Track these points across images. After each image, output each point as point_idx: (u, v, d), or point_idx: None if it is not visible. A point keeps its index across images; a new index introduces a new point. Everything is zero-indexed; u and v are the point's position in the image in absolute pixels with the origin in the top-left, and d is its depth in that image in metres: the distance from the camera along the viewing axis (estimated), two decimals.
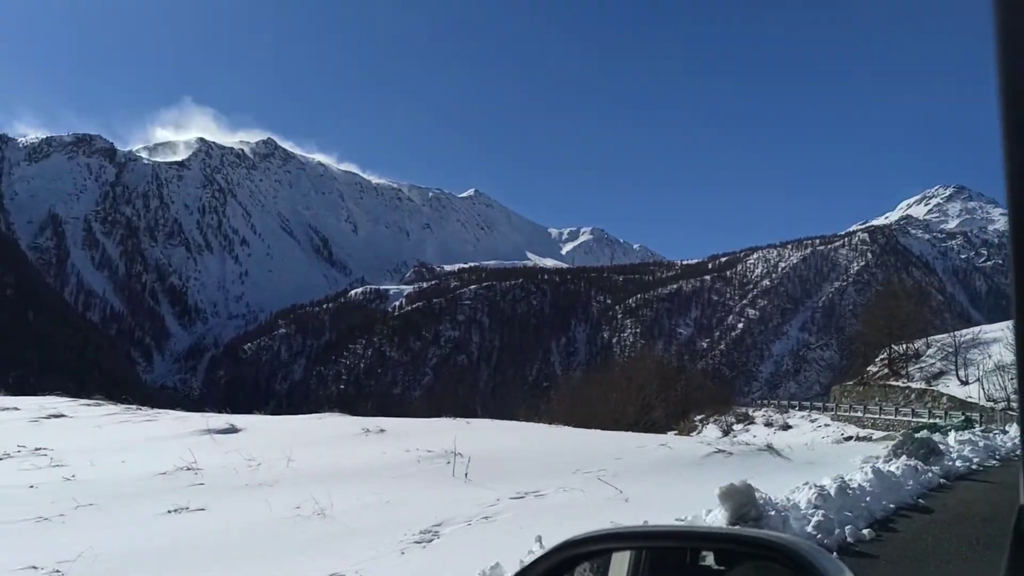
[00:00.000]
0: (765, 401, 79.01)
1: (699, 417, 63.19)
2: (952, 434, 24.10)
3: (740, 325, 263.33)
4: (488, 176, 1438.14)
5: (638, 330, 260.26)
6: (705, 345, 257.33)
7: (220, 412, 28.09)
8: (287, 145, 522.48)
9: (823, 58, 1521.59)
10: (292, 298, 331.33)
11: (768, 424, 54.99)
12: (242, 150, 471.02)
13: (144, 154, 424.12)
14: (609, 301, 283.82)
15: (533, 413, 42.67)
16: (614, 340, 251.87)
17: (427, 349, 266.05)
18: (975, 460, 18.26)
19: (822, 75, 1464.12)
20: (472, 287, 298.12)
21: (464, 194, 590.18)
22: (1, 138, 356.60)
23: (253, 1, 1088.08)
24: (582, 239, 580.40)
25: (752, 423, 57.36)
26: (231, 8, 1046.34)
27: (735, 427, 57.02)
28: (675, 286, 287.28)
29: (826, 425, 51.77)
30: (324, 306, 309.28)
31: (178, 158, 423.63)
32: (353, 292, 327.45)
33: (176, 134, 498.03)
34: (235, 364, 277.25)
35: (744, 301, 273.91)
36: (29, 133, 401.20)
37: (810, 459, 17.57)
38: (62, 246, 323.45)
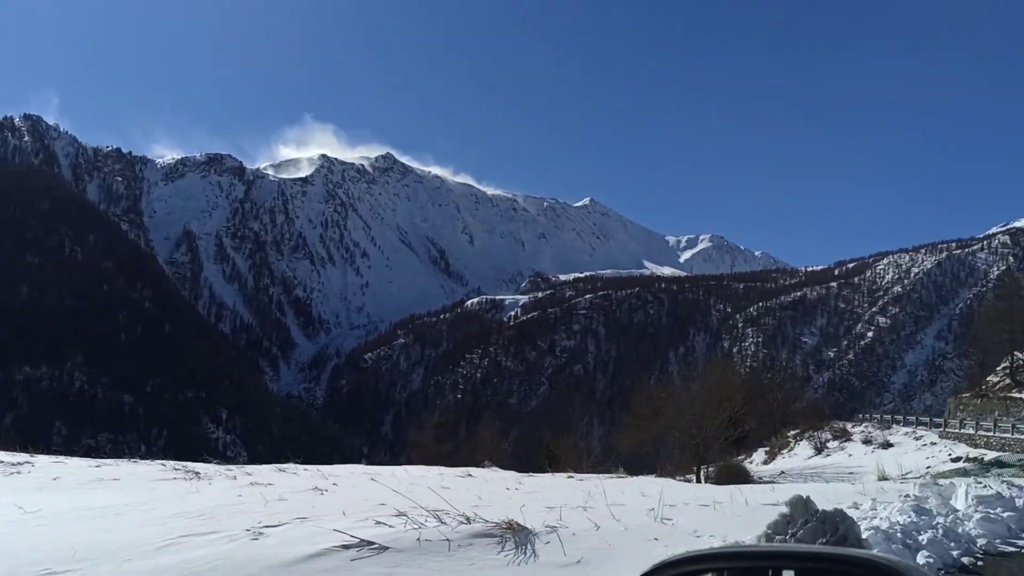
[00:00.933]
0: (866, 416, 72.40)
1: (792, 433, 58.84)
2: (972, 487, 14.42)
3: (870, 334, 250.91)
4: (604, 184, 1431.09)
5: (760, 339, 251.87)
6: (832, 355, 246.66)
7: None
8: (405, 159, 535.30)
9: (961, 41, 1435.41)
10: (410, 308, 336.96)
11: (867, 441, 49.93)
12: (362, 165, 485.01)
13: (270, 171, 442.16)
14: (729, 310, 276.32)
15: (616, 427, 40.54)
16: (735, 350, 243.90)
17: (542, 359, 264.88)
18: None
19: (960, 62, 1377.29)
20: (587, 296, 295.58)
21: (579, 203, 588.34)
22: (141, 160, 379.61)
23: (369, 21, 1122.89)
24: (701, 247, 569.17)
25: (849, 440, 52.41)
26: (347, 27, 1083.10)
27: (830, 444, 52.57)
28: (799, 293, 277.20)
29: (932, 443, 46.29)
30: (441, 316, 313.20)
31: (302, 174, 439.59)
32: (469, 302, 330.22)
33: (299, 151, 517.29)
34: (356, 373, 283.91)
35: (874, 309, 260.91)
36: (165, 155, 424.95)
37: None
38: (196, 261, 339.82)
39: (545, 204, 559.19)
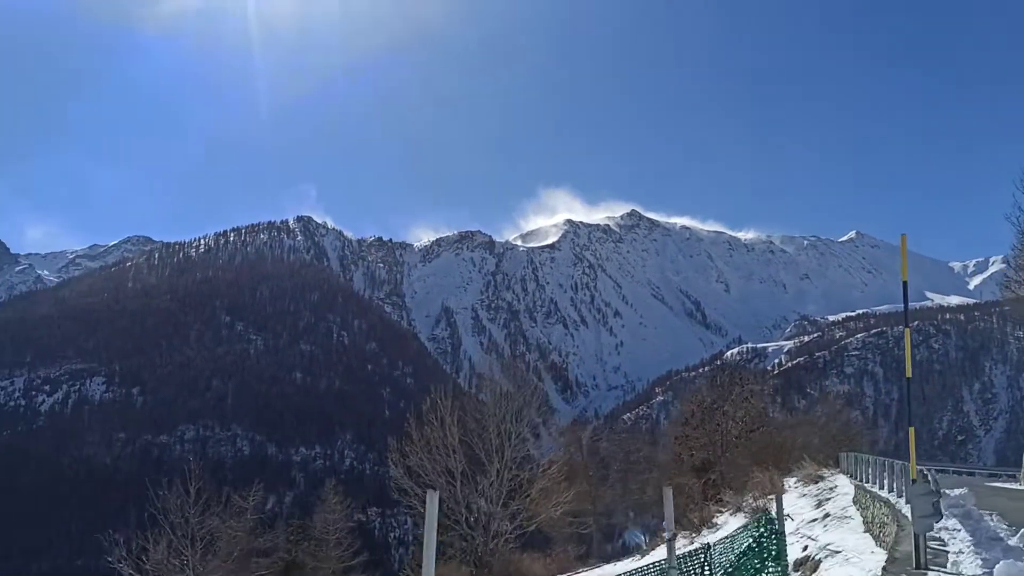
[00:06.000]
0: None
1: None
2: None
3: None
4: (869, 215, 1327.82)
5: None
6: None
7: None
8: (650, 214, 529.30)
9: None
10: (668, 364, 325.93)
11: None
12: (607, 225, 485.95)
13: (518, 242, 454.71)
14: None
15: None
16: None
17: (814, 406, 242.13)
18: None
19: None
20: (859, 336, 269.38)
21: (844, 238, 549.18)
22: (400, 245, 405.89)
23: (606, 83, 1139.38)
24: (992, 270, 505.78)
25: None
26: (578, 94, 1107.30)
27: None
28: None
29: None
30: (700, 370, 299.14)
31: (549, 241, 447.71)
32: (729, 353, 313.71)
33: (544, 219, 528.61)
34: (615, 435, 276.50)
35: None
36: (422, 237, 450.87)
37: None
38: (455, 335, 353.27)
39: (805, 243, 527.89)
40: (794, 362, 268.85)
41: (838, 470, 32.62)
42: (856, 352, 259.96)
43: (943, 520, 12.86)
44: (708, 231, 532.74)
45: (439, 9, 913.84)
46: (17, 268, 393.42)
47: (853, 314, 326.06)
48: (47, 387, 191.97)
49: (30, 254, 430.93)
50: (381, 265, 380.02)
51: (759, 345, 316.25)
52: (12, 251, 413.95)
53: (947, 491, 15.20)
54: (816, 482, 29.68)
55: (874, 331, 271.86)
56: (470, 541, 23.32)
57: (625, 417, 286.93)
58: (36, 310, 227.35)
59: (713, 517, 29.36)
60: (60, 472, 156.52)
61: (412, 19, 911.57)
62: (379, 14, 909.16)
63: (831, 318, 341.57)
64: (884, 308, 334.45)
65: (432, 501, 6.32)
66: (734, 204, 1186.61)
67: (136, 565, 20.41)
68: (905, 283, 11.19)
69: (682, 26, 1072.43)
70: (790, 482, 31.33)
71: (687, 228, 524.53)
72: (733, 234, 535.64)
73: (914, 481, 12.27)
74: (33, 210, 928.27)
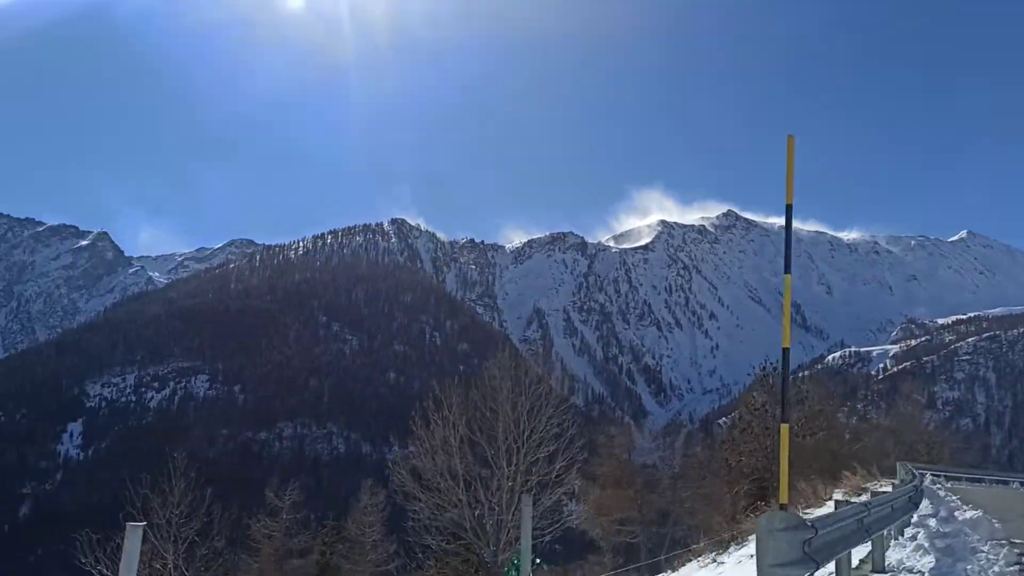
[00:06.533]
0: None
1: None
2: None
3: None
4: (981, 213, 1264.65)
5: None
6: None
7: None
8: (747, 214, 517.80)
9: None
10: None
11: None
12: (703, 226, 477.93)
13: (611, 243, 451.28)
14: None
15: None
16: None
17: (920, 413, 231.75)
18: None
19: None
20: (970, 340, 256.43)
21: (954, 237, 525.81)
22: (493, 247, 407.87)
23: (699, 80, 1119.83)
24: None
25: None
26: (669, 91, 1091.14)
27: None
28: None
29: None
30: (800, 374, 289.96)
31: (642, 242, 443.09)
32: (830, 357, 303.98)
33: (637, 220, 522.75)
34: (710, 439, 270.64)
35: None
36: (514, 239, 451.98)
37: None
38: (547, 337, 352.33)
39: (913, 243, 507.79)
40: (900, 367, 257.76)
41: (891, 480, 30.22)
42: (967, 357, 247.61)
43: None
44: (808, 231, 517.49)
45: (529, 5, 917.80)
46: (130, 270, 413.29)
47: (964, 317, 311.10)
48: (156, 384, 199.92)
49: (142, 256, 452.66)
50: (473, 267, 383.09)
51: (862, 349, 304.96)
52: (126, 254, 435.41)
53: (960, 513, 13.06)
54: (859, 494, 27.42)
55: (986, 335, 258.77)
56: (476, 551, 21.51)
57: (720, 421, 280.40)
58: (146, 310, 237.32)
59: (745, 533, 26.66)
60: (166, 465, 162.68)
61: (503, 17, 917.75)
62: (471, 11, 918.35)
63: (940, 321, 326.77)
64: (998, 311, 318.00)
65: (134, 536, 5.20)
66: (836, 203, 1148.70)
67: (110, 565, 18.79)
68: None
69: (780, 17, 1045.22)
70: (837, 494, 29.06)
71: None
72: (835, 234, 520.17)
73: (782, 507, 8.08)
74: (146, 215, 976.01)
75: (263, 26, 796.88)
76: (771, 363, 39.93)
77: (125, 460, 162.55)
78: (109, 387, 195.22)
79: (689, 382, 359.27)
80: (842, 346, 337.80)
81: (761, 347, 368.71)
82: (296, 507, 34.19)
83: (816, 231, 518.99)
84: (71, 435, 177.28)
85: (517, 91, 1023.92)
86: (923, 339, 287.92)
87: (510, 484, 21.39)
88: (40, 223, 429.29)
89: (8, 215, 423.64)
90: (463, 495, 21.28)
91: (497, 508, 21.11)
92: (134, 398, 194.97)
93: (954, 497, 19.10)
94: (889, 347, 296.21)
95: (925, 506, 15.14)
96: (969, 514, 11.85)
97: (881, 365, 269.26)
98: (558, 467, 22.25)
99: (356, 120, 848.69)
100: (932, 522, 12.12)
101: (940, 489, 24.66)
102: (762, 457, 34.36)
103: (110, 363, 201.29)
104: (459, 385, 23.44)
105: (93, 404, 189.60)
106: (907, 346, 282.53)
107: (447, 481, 21.43)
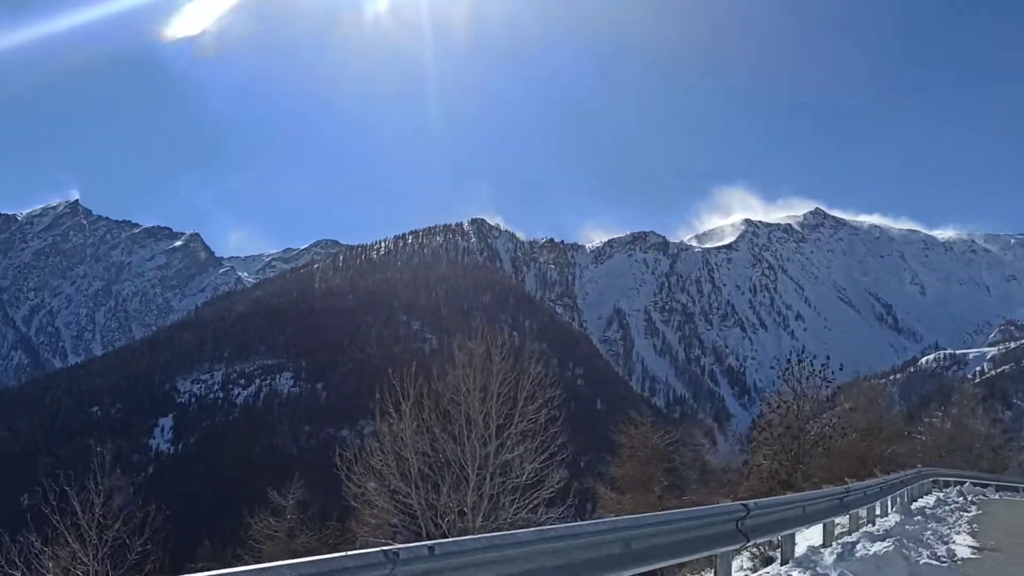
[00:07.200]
0: None
1: None
2: None
3: None
4: None
5: None
6: None
7: None
8: (835, 212, 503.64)
9: None
10: (855, 371, 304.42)
11: None
12: (788, 224, 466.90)
13: (693, 242, 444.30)
14: None
15: None
16: None
17: (1021, 420, 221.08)
18: None
19: None
20: None
21: None
22: (572, 247, 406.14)
23: (781, 74, 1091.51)
24: None
25: None
26: (752, 86, 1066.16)
27: None
28: None
29: None
30: (891, 377, 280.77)
31: (725, 242, 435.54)
32: (924, 359, 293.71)
33: (720, 219, 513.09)
34: None
35: None
36: (594, 238, 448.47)
37: None
38: (627, 337, 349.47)
39: (1012, 241, 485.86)
40: (999, 370, 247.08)
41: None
42: None
43: None
44: (900, 229, 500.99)
45: (605, 4, 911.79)
46: (220, 271, 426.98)
47: None
48: (242, 381, 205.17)
49: (232, 257, 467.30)
50: (552, 267, 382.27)
51: (958, 351, 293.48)
52: (216, 255, 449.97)
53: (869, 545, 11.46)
54: None
55: None
56: None
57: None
58: (234, 309, 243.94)
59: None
60: (252, 460, 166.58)
61: (580, 16, 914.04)
62: (547, 10, 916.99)
63: None
64: None
65: None
66: (929, 200, 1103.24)
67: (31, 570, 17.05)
68: None
69: (870, 6, 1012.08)
70: None
71: (877, 227, 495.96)
72: (929, 232, 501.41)
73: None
74: (235, 217, 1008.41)
75: (345, 32, 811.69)
76: (803, 357, 36.93)
77: (213, 455, 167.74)
78: (198, 383, 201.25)
79: (774, 384, 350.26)
80: (936, 348, 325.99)
81: (850, 350, 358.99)
82: (303, 506, 33.08)
83: (909, 229, 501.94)
84: (162, 430, 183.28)
85: (595, 89, 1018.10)
86: (1023, 342, 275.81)
87: (478, 486, 18.74)
88: (136, 225, 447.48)
89: (107, 218, 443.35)
90: (420, 499, 18.33)
91: (469, 515, 18.35)
92: (221, 395, 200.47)
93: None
94: (986, 350, 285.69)
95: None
96: (876, 547, 10.36)
97: (978, 368, 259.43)
98: (528, 468, 19.12)
99: (436, 121, 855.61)
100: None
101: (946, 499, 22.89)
102: (784, 460, 32.08)
103: (199, 360, 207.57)
104: (420, 374, 20.04)
105: (183, 400, 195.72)
106: (1006, 348, 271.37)
107: (398, 481, 18.66)
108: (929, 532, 13.72)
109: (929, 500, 23.80)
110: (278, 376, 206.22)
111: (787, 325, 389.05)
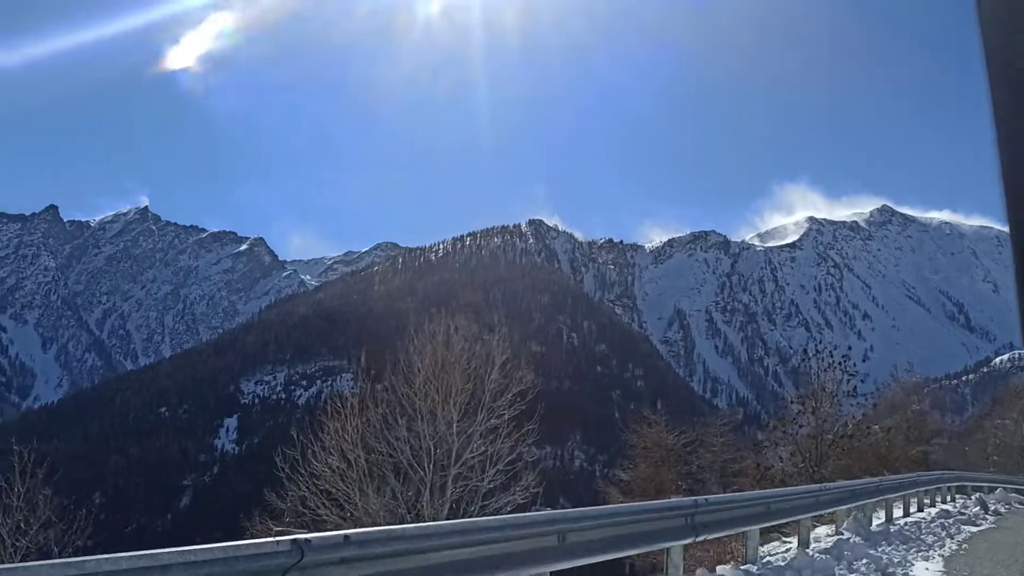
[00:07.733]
0: None
1: None
2: None
3: None
4: None
5: None
6: None
7: None
8: (904, 209, 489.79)
9: None
10: (925, 371, 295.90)
11: None
12: (855, 222, 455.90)
13: (756, 241, 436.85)
14: None
15: None
16: None
17: None
18: None
19: None
20: None
21: None
22: (632, 247, 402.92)
23: (845, 67, 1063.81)
24: None
25: None
26: (813, 80, 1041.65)
27: None
28: None
29: None
30: (964, 378, 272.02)
31: (788, 240, 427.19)
32: (998, 359, 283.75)
33: (783, 217, 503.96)
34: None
35: None
36: (653, 238, 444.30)
37: None
38: (688, 338, 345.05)
39: None
40: None
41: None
42: None
43: None
44: (972, 226, 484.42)
45: (657, 4, 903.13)
46: (283, 274, 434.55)
47: None
48: (304, 382, 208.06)
49: (295, 260, 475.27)
50: (611, 267, 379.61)
51: None
52: (280, 258, 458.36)
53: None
54: None
55: None
56: None
57: (874, 428, 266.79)
58: (296, 311, 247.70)
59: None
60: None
61: (632, 16, 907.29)
62: (597, 12, 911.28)
63: None
64: None
65: None
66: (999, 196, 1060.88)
67: None
68: None
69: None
70: None
71: (947, 223, 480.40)
72: (1003, 228, 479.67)
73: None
74: (298, 221, 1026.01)
75: (399, 35, 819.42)
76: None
77: (277, 456, 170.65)
78: (261, 384, 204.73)
79: (840, 386, 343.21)
80: (1011, 348, 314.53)
81: (920, 350, 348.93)
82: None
83: (981, 225, 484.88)
84: (227, 430, 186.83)
85: (650, 88, 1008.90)
86: None
87: (442, 493, 17.10)
88: (203, 230, 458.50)
89: (175, 223, 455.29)
90: (368, 504, 16.79)
91: (427, 521, 16.44)
92: (284, 395, 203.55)
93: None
94: None
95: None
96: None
97: None
98: (490, 473, 17.47)
99: (490, 123, 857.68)
100: None
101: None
102: (800, 461, 30.36)
103: (262, 362, 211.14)
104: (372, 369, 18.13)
105: (247, 401, 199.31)
106: None
107: (349, 486, 16.96)
108: (879, 555, 12.07)
109: (931, 511, 21.78)
110: (338, 377, 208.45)
111: (854, 325, 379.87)
